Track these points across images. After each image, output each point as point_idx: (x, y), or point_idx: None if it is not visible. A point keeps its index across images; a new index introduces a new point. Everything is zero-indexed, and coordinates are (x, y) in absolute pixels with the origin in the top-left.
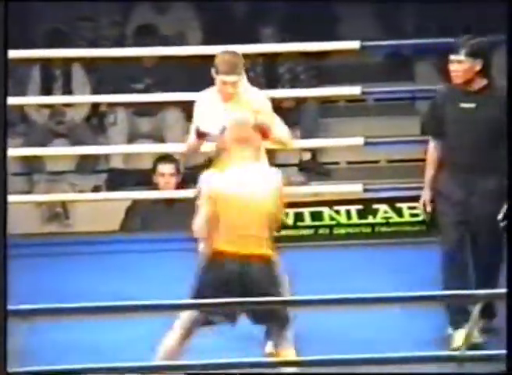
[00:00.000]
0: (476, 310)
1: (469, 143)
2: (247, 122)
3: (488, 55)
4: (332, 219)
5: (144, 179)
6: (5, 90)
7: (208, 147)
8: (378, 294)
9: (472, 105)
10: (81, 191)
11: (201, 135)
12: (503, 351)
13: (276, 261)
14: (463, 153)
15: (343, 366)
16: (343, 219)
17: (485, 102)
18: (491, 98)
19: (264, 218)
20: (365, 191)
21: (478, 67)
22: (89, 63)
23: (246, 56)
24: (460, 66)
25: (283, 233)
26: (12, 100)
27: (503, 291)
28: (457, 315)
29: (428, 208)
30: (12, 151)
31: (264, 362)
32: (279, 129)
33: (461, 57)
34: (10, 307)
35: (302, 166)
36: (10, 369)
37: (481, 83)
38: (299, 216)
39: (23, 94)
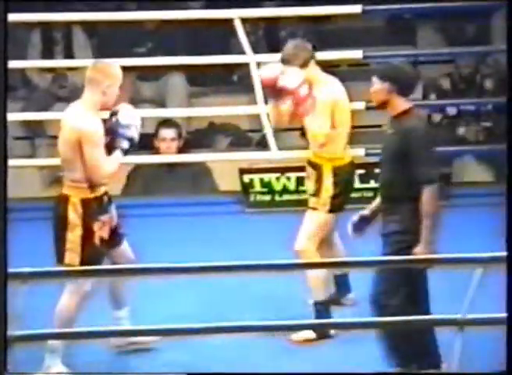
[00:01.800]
0: None
1: (381, 171)
2: None
3: (402, 78)
4: None
5: (146, 143)
6: (5, 54)
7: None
8: (378, 257)
9: (390, 131)
10: None
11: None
12: (504, 315)
13: None
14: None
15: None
16: None
17: (398, 129)
18: (403, 125)
19: None
20: (367, 155)
21: (386, 90)
22: (90, 27)
23: (247, 20)
24: (372, 87)
25: (286, 197)
26: (12, 63)
27: (503, 254)
28: None
29: None
30: (14, 116)
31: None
32: (316, 120)
33: (373, 78)
34: (10, 270)
35: (303, 131)
36: (10, 332)
37: (399, 108)
38: (301, 181)
39: (23, 57)
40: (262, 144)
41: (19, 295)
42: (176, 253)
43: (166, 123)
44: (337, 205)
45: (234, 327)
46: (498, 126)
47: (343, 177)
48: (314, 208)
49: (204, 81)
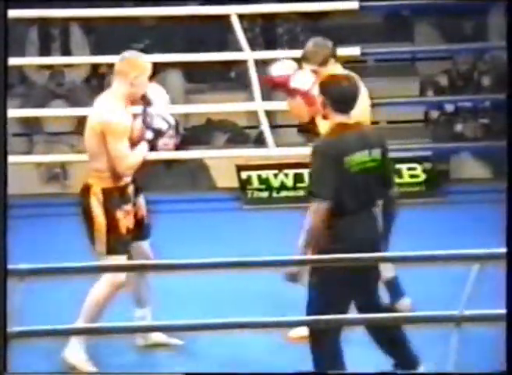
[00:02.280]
0: None
1: None
2: None
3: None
4: None
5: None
6: (6, 51)
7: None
8: (378, 254)
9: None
10: (80, 152)
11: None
12: (503, 311)
13: None
14: None
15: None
16: None
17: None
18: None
19: None
20: None
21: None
22: (87, 23)
23: (244, 16)
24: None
25: (283, 194)
26: (10, 61)
27: (502, 250)
28: None
29: None
30: (12, 112)
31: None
32: None
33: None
34: (10, 266)
35: (302, 128)
36: (10, 329)
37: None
38: (299, 177)
39: (21, 54)
40: (260, 141)
41: (17, 292)
42: (173, 250)
43: None
44: None
45: (230, 324)
46: (495, 123)
47: None
48: None
49: (201, 78)
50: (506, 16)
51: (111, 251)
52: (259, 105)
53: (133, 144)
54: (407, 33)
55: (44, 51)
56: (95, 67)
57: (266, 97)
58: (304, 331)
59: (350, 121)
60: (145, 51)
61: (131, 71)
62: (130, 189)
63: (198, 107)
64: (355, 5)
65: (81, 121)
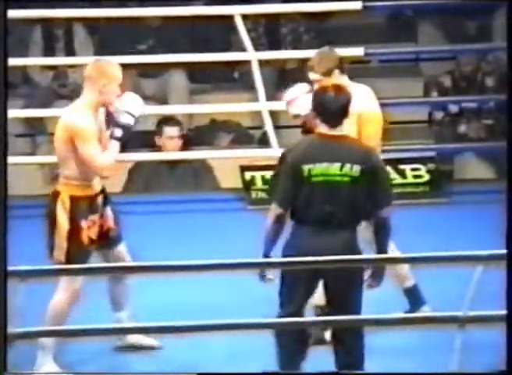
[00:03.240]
0: None
1: None
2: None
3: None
4: None
5: (147, 141)
6: (5, 51)
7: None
8: (383, 255)
9: None
10: None
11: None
12: (504, 312)
13: None
14: None
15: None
16: None
17: None
18: None
19: None
20: None
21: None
22: (91, 24)
23: (248, 17)
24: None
25: None
26: (12, 61)
27: (503, 251)
28: None
29: None
30: (15, 113)
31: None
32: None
33: None
34: (10, 268)
35: (305, 129)
36: (10, 330)
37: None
38: None
39: (25, 55)
40: (264, 142)
41: (18, 293)
42: (177, 250)
43: (169, 121)
44: None
45: (230, 325)
46: (499, 124)
47: None
48: None
49: (205, 78)
50: (507, 16)
51: (69, 260)
52: (263, 106)
53: (104, 147)
54: (410, 34)
55: (48, 51)
56: None
57: (270, 97)
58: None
59: (333, 133)
60: (149, 51)
61: (100, 78)
62: (99, 199)
63: (202, 107)
64: (358, 6)
65: None
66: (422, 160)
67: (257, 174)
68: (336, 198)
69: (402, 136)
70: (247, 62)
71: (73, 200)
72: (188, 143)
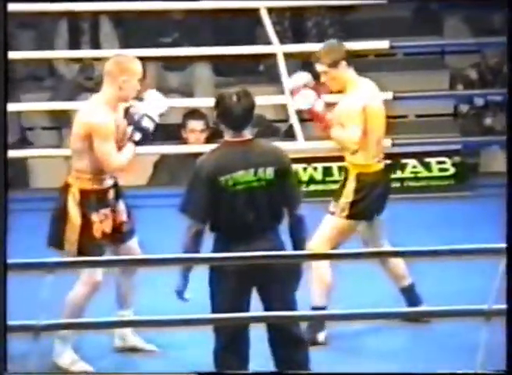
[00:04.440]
0: None
1: None
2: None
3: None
4: None
5: (173, 133)
6: (5, 49)
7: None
8: (408, 248)
9: None
10: None
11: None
12: (504, 306)
13: None
14: None
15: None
16: None
17: None
18: None
19: None
20: (394, 145)
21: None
22: (116, 17)
23: (273, 10)
24: None
25: (312, 187)
26: (39, 54)
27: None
28: None
29: None
30: (41, 106)
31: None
32: (345, 129)
33: None
34: (9, 261)
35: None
36: (10, 323)
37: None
38: (328, 171)
39: (50, 47)
40: (289, 135)
41: (45, 285)
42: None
43: (194, 114)
44: (357, 213)
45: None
46: None
47: (369, 185)
48: (332, 213)
49: (230, 71)
50: (507, 16)
51: (81, 253)
52: (288, 99)
53: (120, 145)
54: (436, 27)
55: (73, 44)
56: None
57: None
58: None
59: (240, 138)
60: (174, 44)
61: (120, 74)
62: (111, 193)
63: None
64: None
65: None
66: (448, 153)
67: None
68: (256, 203)
69: (427, 129)
70: (273, 55)
71: (84, 193)
72: (213, 136)
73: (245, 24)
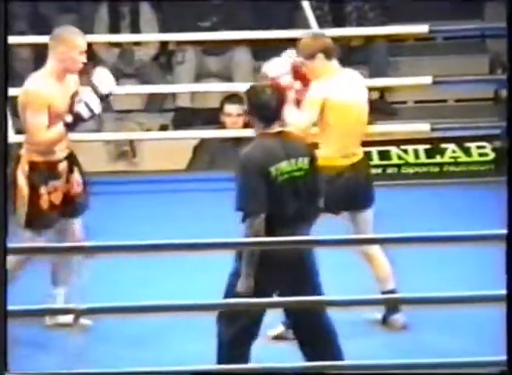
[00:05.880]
0: None
1: None
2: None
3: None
4: (399, 158)
5: (211, 118)
6: (6, 46)
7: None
8: (446, 233)
9: None
10: (148, 130)
11: None
12: (504, 292)
13: None
14: None
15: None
16: (410, 159)
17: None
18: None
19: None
20: (433, 130)
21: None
22: (156, 1)
23: None
24: None
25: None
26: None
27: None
28: None
29: None
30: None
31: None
32: (295, 113)
33: None
34: (10, 244)
35: (370, 106)
36: (10, 308)
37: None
38: (367, 156)
39: (91, 32)
40: None
41: (83, 269)
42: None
43: (232, 98)
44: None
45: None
46: None
47: (330, 179)
48: None
49: (269, 56)
50: (507, 16)
51: (29, 224)
52: None
53: (55, 120)
54: (476, 11)
55: (114, 28)
56: (164, 44)
57: None
58: (280, 329)
59: (273, 130)
60: (213, 28)
61: (58, 46)
62: (62, 165)
63: None
64: None
65: (150, 99)
66: (488, 138)
67: None
68: (298, 193)
69: (467, 114)
70: None
71: (32, 165)
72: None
73: (284, 8)
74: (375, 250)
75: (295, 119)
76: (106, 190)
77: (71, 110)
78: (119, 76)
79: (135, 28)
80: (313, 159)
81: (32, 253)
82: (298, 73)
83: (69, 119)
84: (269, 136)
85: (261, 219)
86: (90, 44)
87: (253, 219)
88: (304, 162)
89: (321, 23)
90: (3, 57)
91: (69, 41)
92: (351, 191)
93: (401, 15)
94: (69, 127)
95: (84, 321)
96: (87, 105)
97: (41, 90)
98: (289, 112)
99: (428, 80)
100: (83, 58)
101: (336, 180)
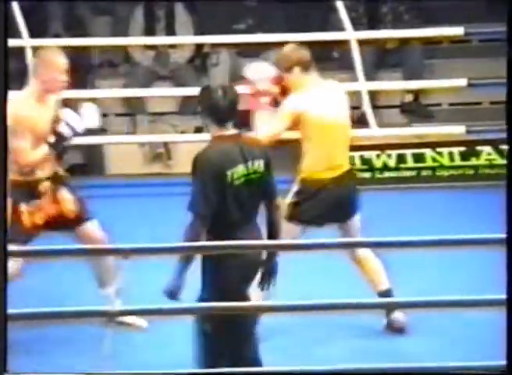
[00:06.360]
0: None
1: None
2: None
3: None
4: (434, 160)
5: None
6: (5, 37)
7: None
8: (446, 237)
9: None
10: (183, 132)
11: None
12: (504, 296)
13: None
14: None
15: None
16: (445, 161)
17: None
18: None
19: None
20: (468, 132)
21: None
22: (191, 4)
23: None
24: None
25: (386, 174)
26: (115, 40)
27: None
28: None
29: None
30: (115, 93)
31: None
32: (263, 121)
33: None
34: (10, 247)
35: (404, 108)
36: (10, 311)
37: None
38: (401, 158)
39: (126, 34)
40: (362, 122)
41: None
42: None
43: None
44: (294, 216)
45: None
46: None
47: (311, 191)
48: None
49: None
50: (507, 16)
51: (11, 241)
52: (362, 86)
53: (39, 141)
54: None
55: (149, 31)
56: (199, 47)
57: (369, 77)
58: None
59: (228, 133)
60: (248, 31)
61: (39, 67)
62: (44, 185)
63: None
64: None
65: (184, 101)
66: None
67: (356, 154)
68: (253, 195)
69: (502, 116)
70: (346, 42)
71: (14, 184)
72: None
73: (319, 10)
74: (367, 254)
75: (263, 127)
76: (141, 192)
77: (54, 130)
78: (154, 78)
79: (170, 30)
80: (268, 162)
81: (32, 256)
82: (279, 82)
83: (52, 139)
84: (225, 138)
85: (205, 224)
86: (125, 47)
87: (198, 222)
88: (259, 164)
89: (356, 25)
90: (3, 57)
91: (49, 62)
92: (336, 204)
93: (436, 17)
94: (53, 147)
95: (140, 322)
96: (67, 124)
97: (23, 114)
98: (260, 118)
99: (463, 82)
100: (64, 78)
101: (320, 193)
